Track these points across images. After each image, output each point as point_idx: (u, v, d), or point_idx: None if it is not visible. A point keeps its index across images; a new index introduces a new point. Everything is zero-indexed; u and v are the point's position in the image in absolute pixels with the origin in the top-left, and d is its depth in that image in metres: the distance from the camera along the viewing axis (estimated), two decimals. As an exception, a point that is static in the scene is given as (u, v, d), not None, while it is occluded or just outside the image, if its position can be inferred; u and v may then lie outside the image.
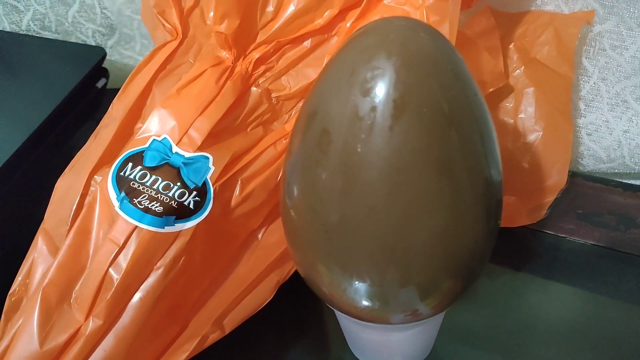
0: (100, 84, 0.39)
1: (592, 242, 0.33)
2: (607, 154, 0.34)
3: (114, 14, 0.41)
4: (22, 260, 0.26)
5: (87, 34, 0.43)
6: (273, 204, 0.28)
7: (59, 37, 0.43)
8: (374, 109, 0.16)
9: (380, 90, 0.16)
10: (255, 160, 0.27)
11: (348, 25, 0.27)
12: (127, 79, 0.28)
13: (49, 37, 0.43)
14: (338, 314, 0.26)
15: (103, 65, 0.40)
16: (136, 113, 0.27)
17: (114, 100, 0.28)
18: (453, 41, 0.24)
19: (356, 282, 0.20)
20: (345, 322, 0.26)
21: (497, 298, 0.30)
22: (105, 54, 0.39)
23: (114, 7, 0.41)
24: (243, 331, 0.27)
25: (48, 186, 0.27)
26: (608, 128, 0.34)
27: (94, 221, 0.24)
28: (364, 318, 0.22)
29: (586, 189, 0.35)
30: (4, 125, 0.34)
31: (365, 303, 0.21)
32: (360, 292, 0.20)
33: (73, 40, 0.43)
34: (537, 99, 0.32)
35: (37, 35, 0.43)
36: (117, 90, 0.29)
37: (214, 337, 0.26)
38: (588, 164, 0.35)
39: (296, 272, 0.29)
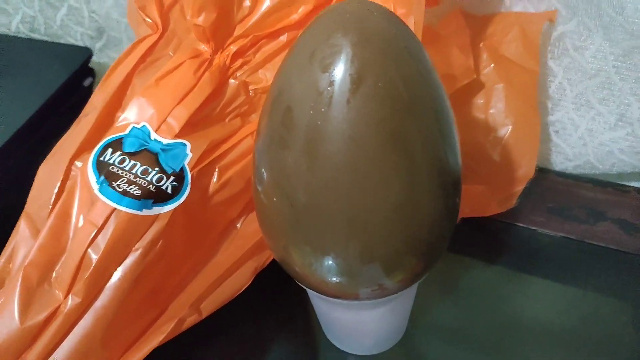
0: (87, 82, 0.40)
1: (562, 235, 0.34)
2: (573, 152, 0.35)
3: (102, 17, 0.42)
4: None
5: (75, 37, 0.44)
6: (250, 193, 0.29)
7: (48, 39, 0.45)
8: (332, 83, 0.17)
9: (338, 66, 0.17)
10: (233, 149, 0.28)
11: (322, 20, 0.28)
12: (108, 70, 0.29)
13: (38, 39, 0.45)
14: (311, 297, 0.27)
15: (90, 66, 0.41)
16: (117, 102, 0.28)
17: (95, 91, 0.29)
18: (419, 33, 0.25)
19: (324, 259, 0.21)
20: (318, 303, 0.26)
21: (471, 290, 0.31)
22: (91, 54, 0.40)
23: (102, 10, 0.42)
24: (222, 317, 0.27)
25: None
26: (573, 126, 0.35)
27: (75, 204, 0.25)
28: (334, 294, 0.23)
29: (557, 184, 0.36)
30: (-8, 122, 0.34)
31: (333, 279, 0.22)
32: (328, 268, 0.21)
33: (62, 42, 0.44)
34: (506, 94, 0.34)
35: (27, 37, 0.44)
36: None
37: (191, 320, 0.26)
38: (556, 162, 0.36)
39: (273, 261, 0.30)
